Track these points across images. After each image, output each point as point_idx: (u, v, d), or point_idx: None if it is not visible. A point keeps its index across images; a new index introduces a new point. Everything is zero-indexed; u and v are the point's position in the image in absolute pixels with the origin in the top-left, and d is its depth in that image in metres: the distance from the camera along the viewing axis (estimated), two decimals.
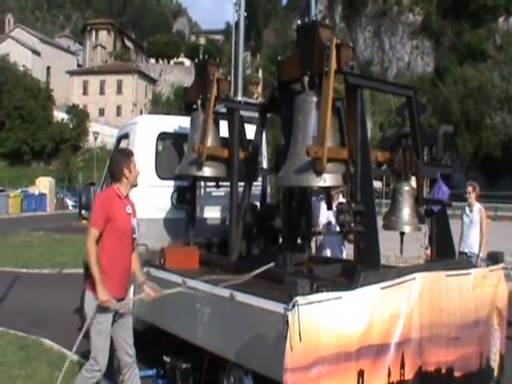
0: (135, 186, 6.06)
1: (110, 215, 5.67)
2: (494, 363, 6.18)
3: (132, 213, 5.92)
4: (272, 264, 6.04)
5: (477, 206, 10.90)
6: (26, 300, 12.98)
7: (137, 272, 6.14)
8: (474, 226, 10.83)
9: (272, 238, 7.46)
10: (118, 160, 5.95)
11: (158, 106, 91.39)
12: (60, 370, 7.36)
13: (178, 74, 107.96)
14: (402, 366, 4.94)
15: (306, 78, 5.42)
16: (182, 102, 8.42)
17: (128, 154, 6.06)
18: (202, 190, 8.68)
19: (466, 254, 10.62)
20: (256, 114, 7.46)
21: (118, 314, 5.87)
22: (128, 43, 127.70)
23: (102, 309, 5.65)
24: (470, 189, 10.93)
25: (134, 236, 5.96)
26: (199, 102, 7.49)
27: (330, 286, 4.77)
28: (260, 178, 7.72)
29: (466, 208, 11.00)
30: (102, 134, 67.33)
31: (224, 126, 7.51)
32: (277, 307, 4.68)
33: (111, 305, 5.66)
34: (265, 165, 8.65)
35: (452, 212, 8.26)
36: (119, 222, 5.72)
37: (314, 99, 5.30)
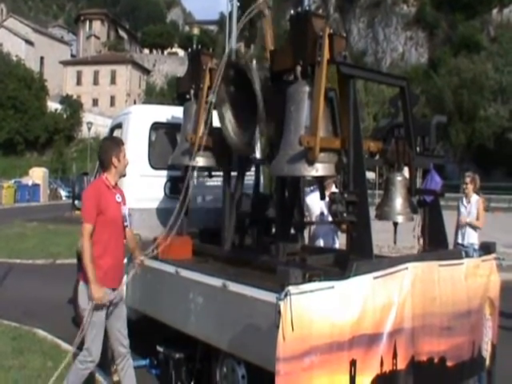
0: (124, 175, 6.05)
1: (100, 207, 5.65)
2: (486, 353, 6.21)
3: (122, 201, 5.91)
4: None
5: (474, 197, 10.80)
6: (20, 290, 12.97)
7: (135, 250, 6.19)
8: (471, 218, 10.74)
9: (265, 228, 7.47)
10: (108, 148, 5.92)
11: (152, 96, 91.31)
12: (53, 360, 7.40)
13: (172, 64, 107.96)
14: (395, 356, 4.95)
15: (299, 68, 5.40)
16: (176, 92, 8.40)
17: (118, 143, 6.03)
18: (195, 180, 8.66)
19: (462, 245, 10.54)
20: None
21: (113, 304, 5.86)
22: (122, 33, 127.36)
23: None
24: (467, 180, 10.81)
25: (126, 224, 5.95)
26: (192, 91, 7.47)
27: (323, 275, 4.77)
28: (253, 168, 7.72)
29: (464, 199, 10.92)
30: (95, 124, 67.14)
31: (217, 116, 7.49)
32: (269, 297, 4.70)
33: (106, 299, 5.65)
34: (258, 154, 8.65)
35: (445, 203, 8.27)
36: (109, 212, 5.70)
37: (307, 89, 5.29)
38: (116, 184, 5.93)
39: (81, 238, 5.63)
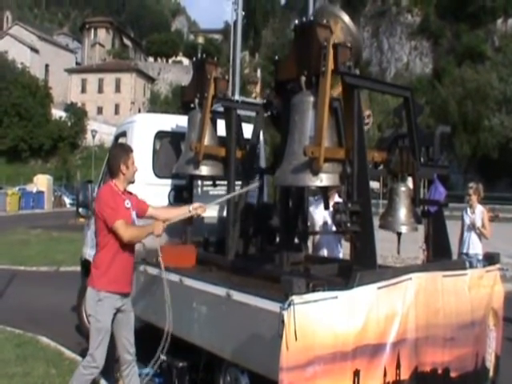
0: (132, 182, 6.04)
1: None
2: (490, 364, 6.20)
3: (131, 207, 5.90)
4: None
5: (479, 207, 10.80)
6: (23, 297, 12.99)
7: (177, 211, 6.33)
8: (475, 228, 10.71)
9: (269, 238, 7.47)
10: (116, 155, 5.94)
11: (156, 104, 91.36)
12: (56, 367, 7.41)
13: (177, 72, 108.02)
14: (398, 366, 4.95)
15: (304, 78, 5.40)
16: (180, 100, 8.42)
17: (127, 150, 6.02)
18: (200, 189, 8.67)
19: (467, 254, 10.52)
20: (253, 114, 7.47)
21: (120, 311, 5.86)
22: (127, 42, 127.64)
23: (102, 306, 5.64)
24: (470, 191, 10.80)
25: None
26: (197, 100, 7.50)
27: (326, 285, 4.77)
28: (257, 178, 7.72)
29: (468, 209, 10.92)
30: (100, 132, 67.33)
31: (221, 125, 7.51)
32: (273, 306, 4.69)
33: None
34: (262, 164, 8.66)
35: (449, 213, 8.27)
36: (120, 216, 5.69)
37: (311, 99, 5.29)
38: (125, 190, 5.93)
39: (123, 236, 5.61)
